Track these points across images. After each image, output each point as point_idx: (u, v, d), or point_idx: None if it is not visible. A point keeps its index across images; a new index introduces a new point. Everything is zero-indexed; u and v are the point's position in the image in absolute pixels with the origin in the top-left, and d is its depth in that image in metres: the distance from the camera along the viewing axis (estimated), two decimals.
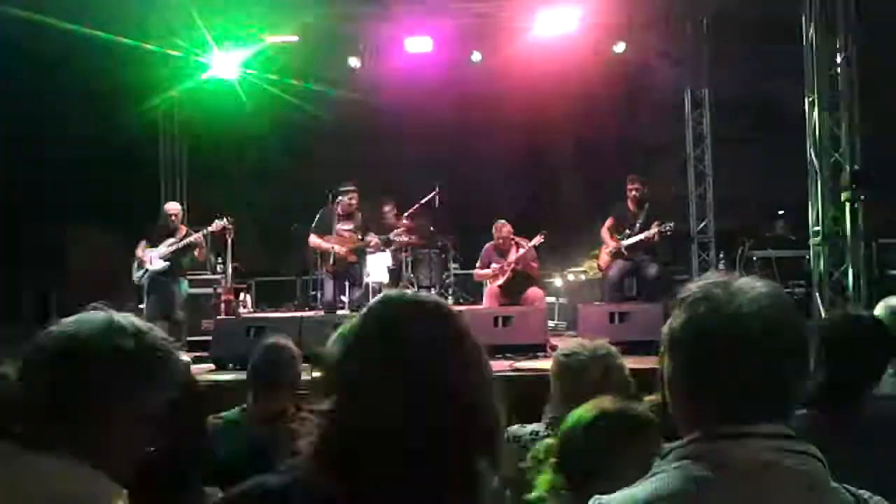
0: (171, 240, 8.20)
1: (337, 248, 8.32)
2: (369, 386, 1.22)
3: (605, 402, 2.07)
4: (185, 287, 8.42)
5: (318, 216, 8.81)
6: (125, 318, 1.44)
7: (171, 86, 12.06)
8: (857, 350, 2.50)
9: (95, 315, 1.43)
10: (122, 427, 1.40)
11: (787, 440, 1.28)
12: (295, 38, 11.61)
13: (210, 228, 8.67)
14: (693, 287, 1.39)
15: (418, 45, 11.36)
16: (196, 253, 8.33)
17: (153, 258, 8.10)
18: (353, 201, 8.47)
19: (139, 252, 8.19)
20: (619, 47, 11.33)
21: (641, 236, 8.42)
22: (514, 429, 2.81)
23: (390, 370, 1.22)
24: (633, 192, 8.64)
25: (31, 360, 1.39)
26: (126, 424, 1.41)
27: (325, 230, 8.50)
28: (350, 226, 8.43)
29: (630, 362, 6.39)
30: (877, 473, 1.45)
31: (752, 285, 1.36)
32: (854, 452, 1.66)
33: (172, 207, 8.51)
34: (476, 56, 11.75)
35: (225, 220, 8.64)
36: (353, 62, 11.86)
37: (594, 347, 2.89)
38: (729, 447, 1.27)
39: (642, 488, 1.31)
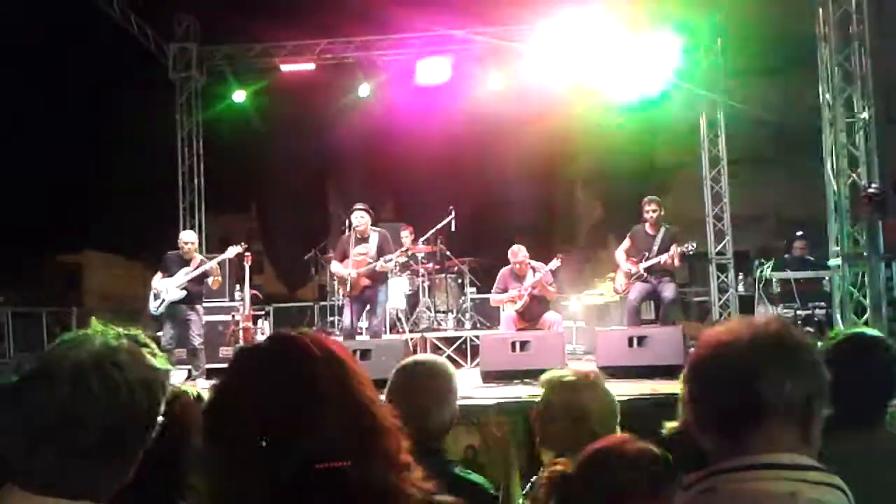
0: (187, 269, 8.28)
1: (345, 272, 8.27)
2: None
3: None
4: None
5: (339, 242, 8.84)
6: (127, 353, 1.40)
7: (190, 115, 12.23)
8: (865, 373, 2.24)
9: (101, 351, 1.37)
10: (134, 464, 1.39)
11: (811, 471, 1.26)
12: (311, 66, 11.76)
13: (225, 255, 8.74)
14: (713, 324, 1.42)
15: (433, 74, 11.44)
16: (210, 282, 8.40)
17: (169, 288, 8.19)
18: (364, 221, 8.43)
19: (154, 283, 8.27)
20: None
21: (662, 258, 8.35)
22: None
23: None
24: (651, 214, 8.58)
25: (47, 401, 1.31)
26: (137, 460, 1.40)
27: (343, 255, 8.49)
28: (365, 248, 8.38)
29: (650, 386, 6.35)
30: None
31: (763, 318, 1.37)
32: (866, 486, 1.49)
33: (188, 237, 8.60)
34: (493, 83, 11.84)
35: (240, 246, 8.71)
36: (368, 89, 11.98)
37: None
38: (747, 479, 1.26)
39: None
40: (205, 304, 9.30)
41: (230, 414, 1.25)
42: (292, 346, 1.30)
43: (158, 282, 8.26)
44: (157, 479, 1.73)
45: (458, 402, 2.60)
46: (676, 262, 8.33)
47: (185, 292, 8.20)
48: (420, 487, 1.27)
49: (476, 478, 2.44)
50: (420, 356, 2.82)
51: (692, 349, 1.43)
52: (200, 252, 8.87)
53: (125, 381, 1.36)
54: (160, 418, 1.43)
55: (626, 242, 8.79)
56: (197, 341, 8.22)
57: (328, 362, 1.27)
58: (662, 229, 8.55)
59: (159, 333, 8.09)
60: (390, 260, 8.36)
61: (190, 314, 8.24)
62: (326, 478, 1.18)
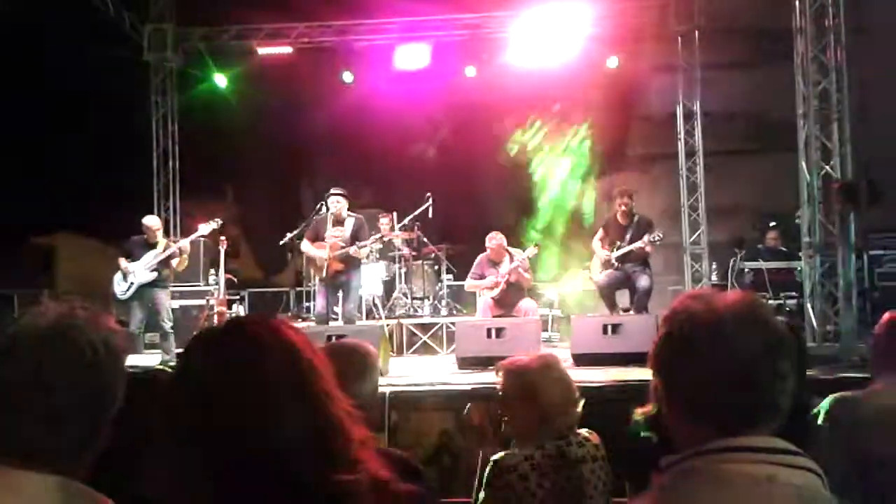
0: (155, 251, 8.19)
1: (321, 253, 8.18)
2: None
3: None
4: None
5: (312, 222, 8.75)
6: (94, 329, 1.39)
7: (165, 97, 12.08)
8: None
9: (68, 328, 1.37)
10: (102, 438, 1.39)
11: (788, 455, 1.28)
12: (289, 50, 11.66)
13: (198, 233, 8.67)
14: (672, 303, 1.40)
15: (412, 59, 11.41)
16: (176, 263, 8.32)
17: (138, 270, 8.10)
18: (341, 205, 8.35)
19: (122, 266, 8.17)
20: (613, 62, 11.43)
21: (632, 247, 8.46)
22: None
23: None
24: (622, 207, 8.68)
25: (25, 376, 1.32)
26: (105, 434, 1.40)
27: (316, 236, 8.40)
28: (340, 231, 8.31)
29: (624, 373, 6.41)
30: None
31: (728, 295, 1.36)
32: None
33: (153, 222, 8.47)
34: (470, 70, 11.80)
35: (215, 222, 8.63)
36: (346, 75, 11.92)
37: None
38: (726, 461, 1.26)
39: None
40: (179, 288, 9.23)
41: (177, 399, 1.22)
42: (241, 333, 1.26)
43: (125, 265, 8.17)
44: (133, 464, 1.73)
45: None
46: (648, 250, 8.46)
47: (155, 273, 8.14)
48: (376, 478, 1.24)
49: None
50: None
51: (661, 331, 1.41)
52: (172, 235, 8.79)
53: (88, 341, 1.36)
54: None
55: (601, 232, 8.90)
56: (167, 325, 8.16)
57: (280, 350, 1.23)
58: (635, 219, 8.66)
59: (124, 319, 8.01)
60: (364, 246, 8.30)
61: (158, 297, 8.18)
62: (268, 475, 1.16)
